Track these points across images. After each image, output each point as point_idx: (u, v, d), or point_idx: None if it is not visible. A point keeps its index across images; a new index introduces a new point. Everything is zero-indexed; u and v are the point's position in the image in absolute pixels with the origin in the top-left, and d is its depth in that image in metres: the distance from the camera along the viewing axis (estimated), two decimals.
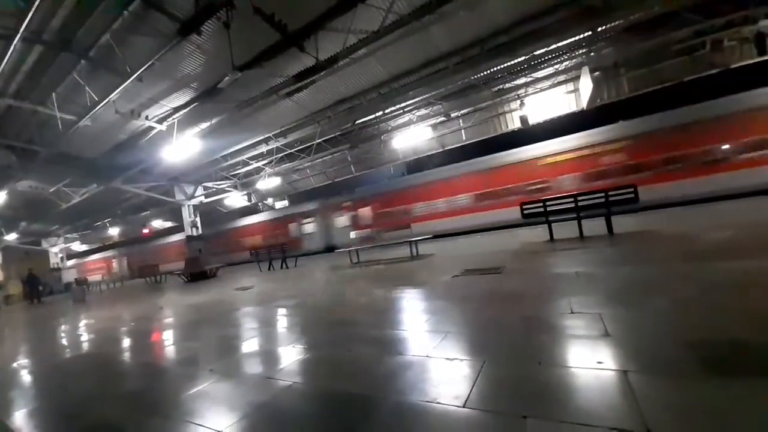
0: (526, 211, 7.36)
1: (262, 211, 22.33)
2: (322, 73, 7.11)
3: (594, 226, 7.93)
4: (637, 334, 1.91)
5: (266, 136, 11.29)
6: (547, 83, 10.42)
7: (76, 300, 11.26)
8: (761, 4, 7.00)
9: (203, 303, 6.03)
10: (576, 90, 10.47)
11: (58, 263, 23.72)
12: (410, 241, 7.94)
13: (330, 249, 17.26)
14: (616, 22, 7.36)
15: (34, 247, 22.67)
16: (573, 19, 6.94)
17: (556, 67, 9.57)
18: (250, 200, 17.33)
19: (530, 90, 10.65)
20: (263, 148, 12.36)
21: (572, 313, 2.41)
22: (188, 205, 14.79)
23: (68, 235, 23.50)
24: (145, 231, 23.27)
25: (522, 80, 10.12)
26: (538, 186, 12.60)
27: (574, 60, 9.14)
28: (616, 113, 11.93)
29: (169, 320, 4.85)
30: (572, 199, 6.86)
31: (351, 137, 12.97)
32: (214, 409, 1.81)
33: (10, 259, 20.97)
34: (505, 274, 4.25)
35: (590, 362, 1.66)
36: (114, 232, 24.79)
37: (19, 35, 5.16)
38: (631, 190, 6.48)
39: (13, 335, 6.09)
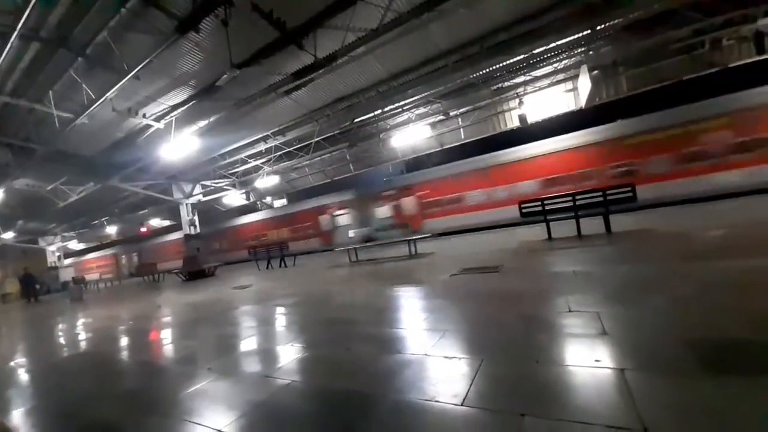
0: (524, 210, 7.37)
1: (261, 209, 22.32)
2: (320, 71, 7.09)
3: (592, 224, 7.95)
4: (635, 333, 1.92)
5: (265, 134, 11.24)
6: (546, 82, 10.41)
7: (74, 299, 11.22)
8: (760, 2, 7.00)
9: (201, 302, 6.03)
10: (575, 89, 10.45)
11: (55, 262, 23.62)
12: (409, 240, 7.95)
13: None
14: (615, 21, 7.35)
15: (31, 246, 22.55)
16: (572, 18, 6.93)
17: (555, 65, 9.56)
18: (248, 199, 17.27)
19: (529, 89, 10.64)
20: (261, 147, 12.30)
21: (570, 311, 2.41)
22: (186, 204, 14.75)
23: (65, 234, 23.38)
24: (143, 230, 23.22)
25: (521, 79, 10.10)
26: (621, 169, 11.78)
27: (573, 58, 9.12)
28: (615, 112, 11.93)
29: (167, 319, 4.84)
30: (570, 198, 6.88)
31: (350, 136, 12.93)
32: (212, 407, 1.81)
33: (7, 257, 20.85)
34: (503, 273, 4.26)
35: (588, 361, 1.67)
36: (111, 230, 24.71)
37: (16, 32, 5.13)
38: (629, 188, 6.49)
39: (9, 334, 6.06)
